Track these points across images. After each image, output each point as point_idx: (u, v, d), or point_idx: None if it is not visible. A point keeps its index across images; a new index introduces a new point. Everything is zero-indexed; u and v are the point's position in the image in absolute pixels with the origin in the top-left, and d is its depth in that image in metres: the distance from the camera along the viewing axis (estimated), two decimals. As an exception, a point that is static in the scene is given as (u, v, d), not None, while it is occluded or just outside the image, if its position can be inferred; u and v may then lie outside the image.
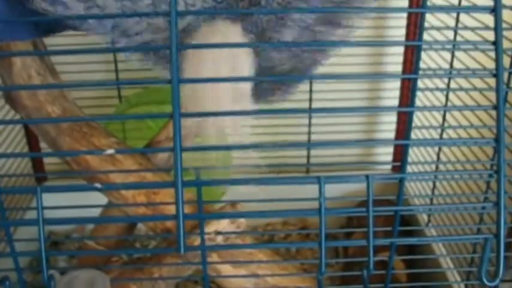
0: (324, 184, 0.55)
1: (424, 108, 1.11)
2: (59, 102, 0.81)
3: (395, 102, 1.30)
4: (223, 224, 0.75)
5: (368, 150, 1.42)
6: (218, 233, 0.75)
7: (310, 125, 1.30)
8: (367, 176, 0.55)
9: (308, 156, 1.35)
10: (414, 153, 1.20)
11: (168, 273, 0.78)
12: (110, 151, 0.75)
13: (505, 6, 0.68)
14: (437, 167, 1.10)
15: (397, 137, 1.31)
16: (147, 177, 0.81)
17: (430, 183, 1.16)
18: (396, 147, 1.34)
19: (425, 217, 1.14)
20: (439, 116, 1.08)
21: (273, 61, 0.82)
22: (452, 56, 0.99)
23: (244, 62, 0.72)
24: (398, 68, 1.27)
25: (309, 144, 1.32)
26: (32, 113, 0.81)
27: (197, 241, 0.75)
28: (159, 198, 0.79)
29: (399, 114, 1.31)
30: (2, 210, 0.58)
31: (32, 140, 1.26)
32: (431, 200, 1.12)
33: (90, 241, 0.84)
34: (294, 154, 1.37)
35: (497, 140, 0.54)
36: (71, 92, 0.84)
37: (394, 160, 1.35)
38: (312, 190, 0.62)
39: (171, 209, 0.79)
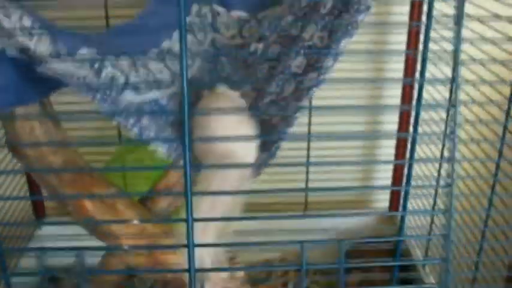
0: (305, 249, 0.58)
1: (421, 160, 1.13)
2: (60, 152, 0.83)
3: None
4: (223, 275, 0.76)
5: (366, 183, 1.43)
6: None
7: (308, 155, 1.31)
8: (338, 241, 0.59)
9: (306, 195, 1.36)
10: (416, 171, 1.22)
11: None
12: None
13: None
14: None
15: (395, 170, 1.32)
16: (146, 227, 0.82)
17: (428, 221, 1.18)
18: (394, 181, 1.35)
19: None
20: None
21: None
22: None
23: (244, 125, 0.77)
24: (397, 99, 1.29)
25: (308, 189, 1.32)
26: (34, 162, 0.82)
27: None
28: (159, 251, 0.80)
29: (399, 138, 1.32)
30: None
31: (32, 182, 1.27)
32: (427, 245, 1.13)
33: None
34: (292, 186, 1.37)
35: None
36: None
37: (391, 197, 1.36)
38: (310, 223, 0.66)
39: (172, 258, 0.80)
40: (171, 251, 0.80)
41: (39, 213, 1.33)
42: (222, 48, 0.96)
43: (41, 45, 0.64)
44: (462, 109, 0.95)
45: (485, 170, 0.96)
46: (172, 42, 0.89)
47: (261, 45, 0.92)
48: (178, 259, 0.81)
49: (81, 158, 0.85)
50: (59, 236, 0.80)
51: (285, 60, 0.88)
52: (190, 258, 0.57)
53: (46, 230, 1.30)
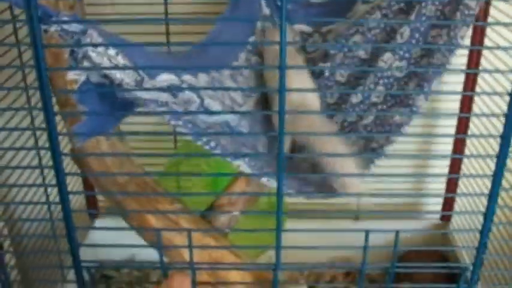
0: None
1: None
2: (125, 166, 0.83)
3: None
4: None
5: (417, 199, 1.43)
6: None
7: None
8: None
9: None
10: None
11: None
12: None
13: None
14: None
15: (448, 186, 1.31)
16: (207, 241, 0.82)
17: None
18: (446, 198, 1.33)
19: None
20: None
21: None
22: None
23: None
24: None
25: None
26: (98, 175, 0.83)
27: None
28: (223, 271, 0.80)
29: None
30: None
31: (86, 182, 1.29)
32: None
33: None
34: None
35: None
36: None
37: (444, 209, 1.35)
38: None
39: (233, 276, 0.81)
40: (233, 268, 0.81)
41: (91, 205, 1.35)
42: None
43: (125, 76, 0.65)
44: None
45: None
46: (239, 63, 0.89)
47: (328, 65, 0.91)
48: (241, 277, 0.82)
49: (145, 172, 0.86)
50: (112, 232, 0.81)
51: (359, 87, 0.87)
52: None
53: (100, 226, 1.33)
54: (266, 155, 0.81)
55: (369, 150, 0.82)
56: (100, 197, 1.35)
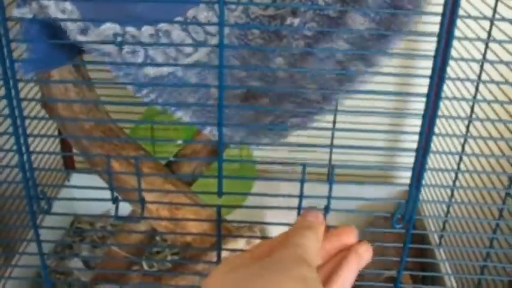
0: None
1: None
2: (92, 113, 0.85)
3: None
4: (241, 245, 0.79)
5: (390, 158, 1.45)
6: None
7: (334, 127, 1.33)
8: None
9: (330, 161, 1.38)
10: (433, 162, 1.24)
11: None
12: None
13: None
14: (452, 192, 1.13)
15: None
16: (167, 187, 0.83)
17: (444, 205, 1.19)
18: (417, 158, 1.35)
19: (437, 238, 1.17)
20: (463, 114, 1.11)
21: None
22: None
23: None
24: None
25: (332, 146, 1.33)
26: (67, 121, 0.85)
27: (215, 257, 0.79)
28: (181, 213, 0.82)
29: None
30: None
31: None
32: (443, 223, 1.14)
33: (114, 247, 0.88)
34: (316, 156, 1.39)
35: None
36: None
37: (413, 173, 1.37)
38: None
39: (193, 224, 0.83)
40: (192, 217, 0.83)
41: (68, 166, 1.37)
42: (254, 18, 0.96)
43: (70, 24, 0.67)
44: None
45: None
46: (198, 10, 0.88)
47: (297, 20, 0.91)
48: (199, 226, 0.84)
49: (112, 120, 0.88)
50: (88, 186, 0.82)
51: (323, 41, 0.87)
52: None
53: (75, 181, 1.36)
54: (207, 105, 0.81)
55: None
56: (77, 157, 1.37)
